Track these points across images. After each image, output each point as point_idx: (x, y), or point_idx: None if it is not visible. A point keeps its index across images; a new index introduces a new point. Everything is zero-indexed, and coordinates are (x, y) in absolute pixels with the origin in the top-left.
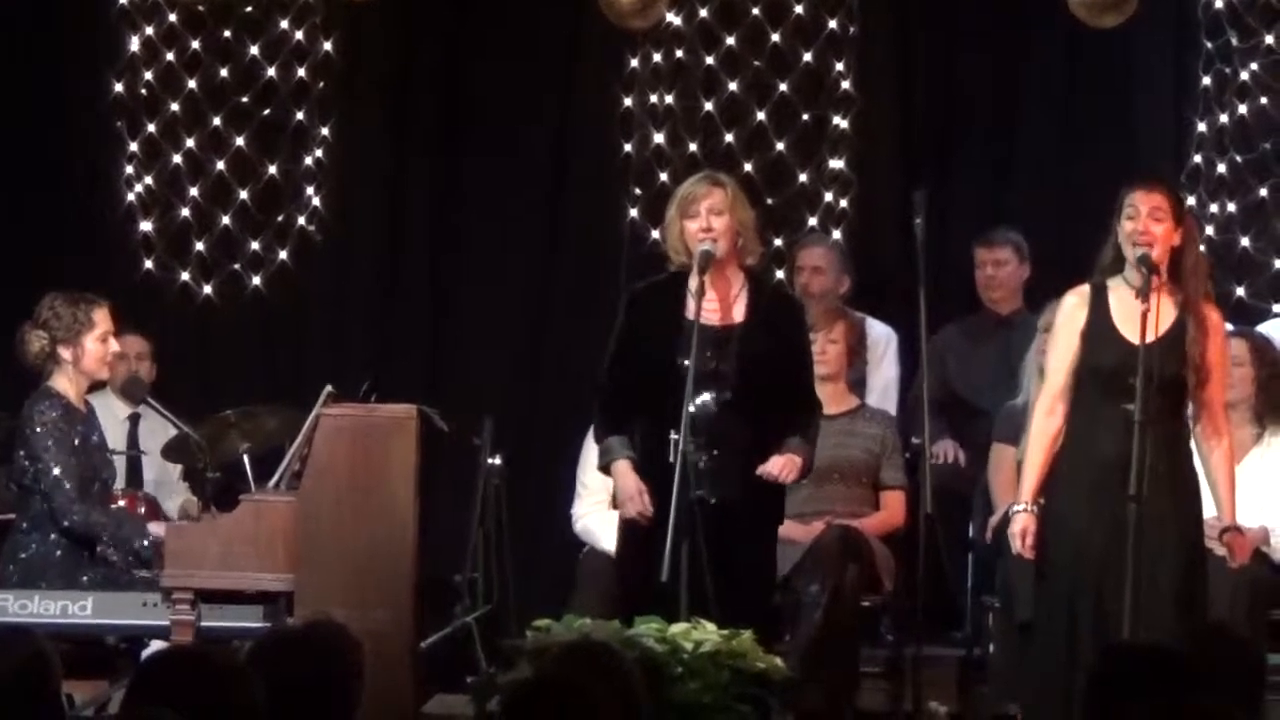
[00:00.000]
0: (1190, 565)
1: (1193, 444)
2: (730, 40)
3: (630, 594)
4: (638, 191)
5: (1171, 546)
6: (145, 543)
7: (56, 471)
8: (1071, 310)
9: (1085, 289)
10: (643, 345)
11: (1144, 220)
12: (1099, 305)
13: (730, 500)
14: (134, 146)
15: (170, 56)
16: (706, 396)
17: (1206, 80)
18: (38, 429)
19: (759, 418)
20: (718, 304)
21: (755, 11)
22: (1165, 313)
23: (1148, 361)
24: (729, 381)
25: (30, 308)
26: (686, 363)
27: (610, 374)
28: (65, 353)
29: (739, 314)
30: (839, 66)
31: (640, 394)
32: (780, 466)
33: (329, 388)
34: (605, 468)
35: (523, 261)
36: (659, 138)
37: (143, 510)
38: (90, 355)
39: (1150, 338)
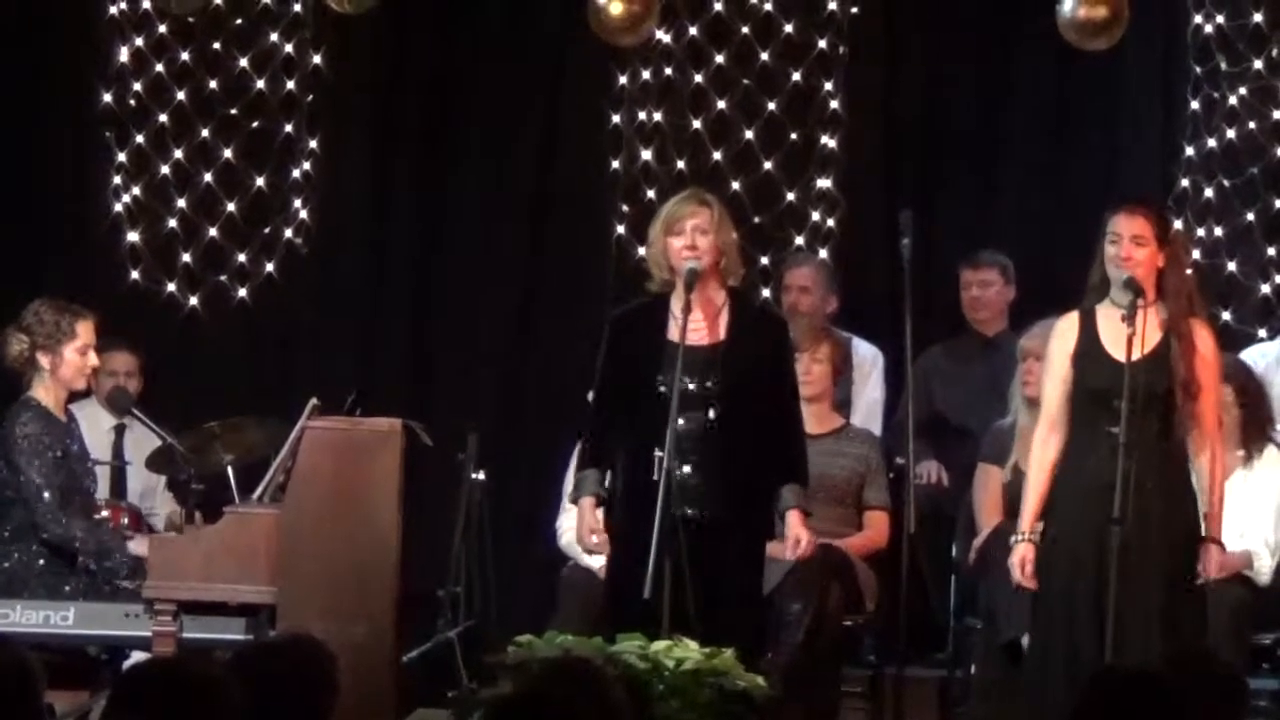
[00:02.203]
0: (1176, 586)
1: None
2: (719, 58)
3: (620, 610)
4: (625, 208)
5: (1157, 568)
6: (120, 558)
7: (38, 482)
8: (1062, 335)
9: (1074, 315)
10: (629, 369)
11: (1125, 246)
12: (1088, 329)
13: (718, 518)
14: (122, 157)
15: (159, 68)
16: (695, 415)
17: (1195, 104)
18: (19, 440)
19: (747, 434)
20: (703, 323)
21: (745, 30)
22: (1151, 331)
23: (1133, 383)
24: (716, 399)
25: (15, 316)
26: (668, 383)
27: (597, 403)
28: (44, 360)
29: (723, 332)
30: (828, 86)
31: (628, 417)
32: (794, 549)
33: (314, 400)
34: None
35: (509, 277)
36: (647, 155)
37: (126, 521)
38: (68, 365)
39: (1136, 358)
